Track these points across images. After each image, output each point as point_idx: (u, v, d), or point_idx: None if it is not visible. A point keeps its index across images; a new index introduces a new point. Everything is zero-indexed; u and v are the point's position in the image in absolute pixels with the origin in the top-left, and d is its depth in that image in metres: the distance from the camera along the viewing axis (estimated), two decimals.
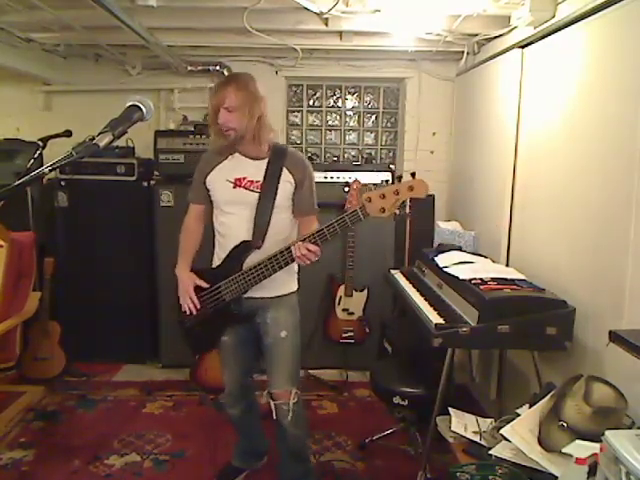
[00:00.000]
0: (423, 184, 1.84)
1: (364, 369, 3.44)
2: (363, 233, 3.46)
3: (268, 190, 2.03)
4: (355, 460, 2.64)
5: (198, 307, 2.11)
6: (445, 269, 2.54)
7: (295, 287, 2.21)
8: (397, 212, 1.92)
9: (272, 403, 2.13)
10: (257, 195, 2.03)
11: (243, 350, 2.24)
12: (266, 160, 2.05)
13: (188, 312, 2.13)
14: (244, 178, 2.04)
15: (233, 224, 2.07)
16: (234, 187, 2.05)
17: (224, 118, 1.94)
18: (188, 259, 2.20)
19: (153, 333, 3.63)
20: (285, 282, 2.14)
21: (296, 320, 2.19)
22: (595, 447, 1.42)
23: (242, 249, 2.05)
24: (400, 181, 1.88)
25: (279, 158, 2.06)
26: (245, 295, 2.06)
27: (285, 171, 2.05)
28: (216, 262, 2.15)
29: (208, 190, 2.12)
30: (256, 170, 2.05)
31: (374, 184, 3.37)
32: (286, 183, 2.06)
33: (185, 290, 2.13)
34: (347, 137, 4.33)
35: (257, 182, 2.04)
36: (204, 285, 2.11)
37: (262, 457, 2.53)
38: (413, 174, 1.88)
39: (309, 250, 1.88)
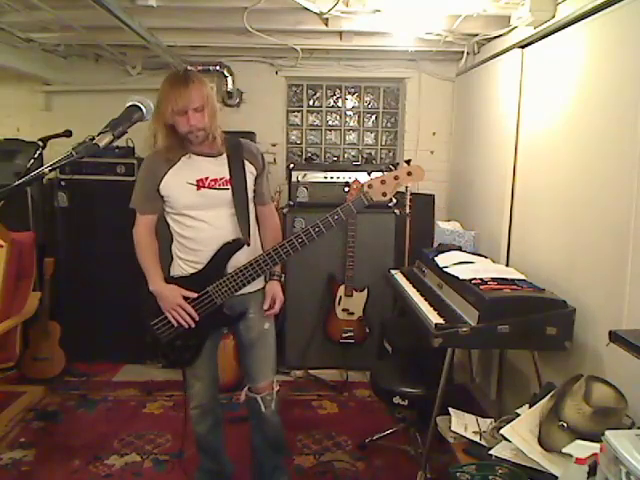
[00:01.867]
0: (420, 169, 1.94)
1: (364, 369, 3.44)
2: (363, 233, 3.46)
3: (238, 185, 1.97)
4: (355, 460, 2.64)
5: (196, 318, 1.97)
6: (445, 269, 2.54)
7: (264, 281, 2.16)
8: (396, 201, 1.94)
9: (257, 397, 2.11)
10: (229, 192, 1.96)
11: (213, 358, 2.16)
12: (224, 155, 1.99)
13: (186, 325, 1.97)
14: (206, 178, 1.95)
15: (207, 226, 1.97)
16: (198, 189, 1.94)
17: (195, 120, 1.84)
18: (158, 272, 2.04)
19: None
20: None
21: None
22: (595, 447, 1.42)
23: (232, 248, 1.97)
24: (397, 169, 1.92)
25: (237, 151, 2.00)
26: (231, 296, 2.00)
27: (247, 163, 2.01)
28: (183, 268, 2.03)
29: (162, 197, 1.99)
30: (216, 167, 1.97)
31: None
32: (249, 174, 2.02)
33: (175, 303, 1.96)
34: (347, 137, 4.33)
35: (222, 179, 1.96)
36: (192, 295, 1.97)
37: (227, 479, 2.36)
38: (408, 161, 1.96)
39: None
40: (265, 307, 2.08)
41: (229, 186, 1.96)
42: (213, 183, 1.95)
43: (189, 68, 2.08)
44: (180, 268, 2.05)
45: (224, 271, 1.97)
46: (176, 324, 1.98)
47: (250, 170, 2.02)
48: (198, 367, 2.09)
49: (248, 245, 1.98)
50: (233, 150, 2.00)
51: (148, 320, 2.05)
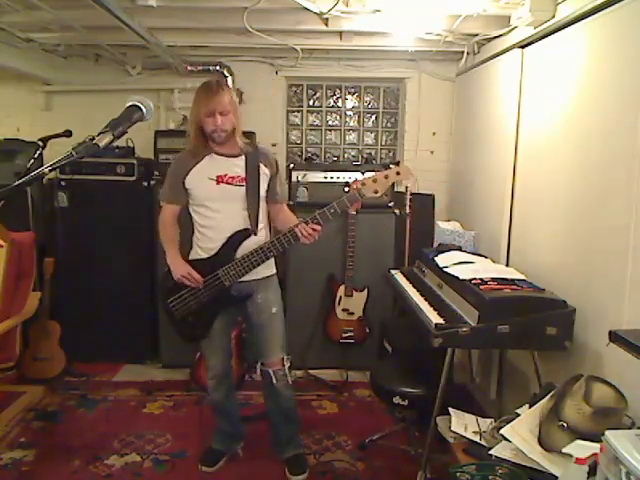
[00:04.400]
0: (407, 169, 2.26)
1: (364, 369, 3.44)
2: (363, 233, 3.46)
3: (252, 184, 2.26)
4: (355, 460, 2.64)
5: (201, 281, 2.24)
6: (445, 269, 2.54)
7: (275, 270, 2.43)
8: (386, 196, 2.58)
9: (270, 370, 2.37)
10: (244, 189, 2.25)
11: (227, 335, 2.47)
12: (242, 157, 2.27)
13: (194, 286, 2.26)
14: (225, 175, 2.25)
15: (223, 217, 2.26)
16: (217, 183, 2.24)
17: (220, 121, 2.15)
18: (176, 247, 2.35)
19: (153, 333, 3.63)
20: (268, 265, 2.35)
21: (279, 297, 2.46)
22: (595, 447, 1.42)
23: (240, 236, 2.25)
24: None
25: (254, 155, 2.29)
26: (239, 279, 2.26)
27: (262, 165, 2.29)
28: (199, 253, 2.32)
29: (187, 190, 2.28)
30: (234, 167, 2.26)
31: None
32: (264, 176, 2.30)
33: (185, 270, 2.25)
34: (347, 137, 4.33)
35: (238, 177, 2.25)
36: (196, 276, 2.25)
37: (240, 440, 2.67)
38: (397, 162, 2.31)
39: (314, 229, 2.15)
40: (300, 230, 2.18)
41: (244, 184, 2.25)
42: (231, 180, 2.25)
43: (218, 78, 2.42)
44: (197, 254, 2.34)
45: (234, 256, 2.24)
46: (192, 284, 2.25)
47: (264, 172, 2.30)
48: (212, 343, 2.40)
49: (255, 234, 2.27)
50: (251, 153, 2.29)
51: (164, 299, 2.36)
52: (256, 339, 2.42)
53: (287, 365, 2.40)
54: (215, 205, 2.26)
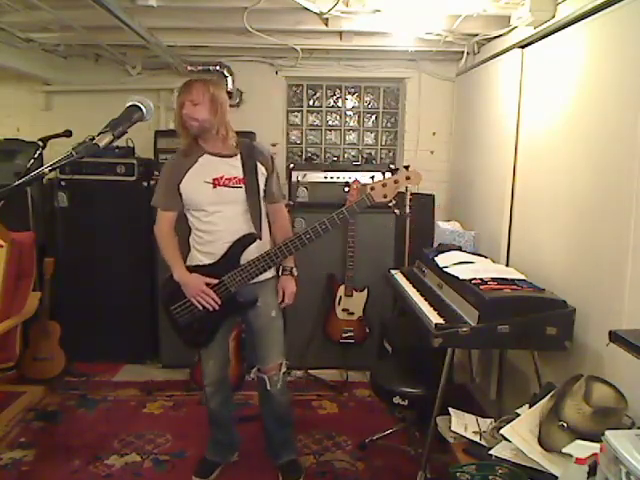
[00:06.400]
0: (418, 174, 2.19)
1: (364, 369, 3.44)
2: (363, 233, 3.46)
3: (251, 184, 2.18)
4: (355, 460, 2.64)
5: (219, 302, 2.18)
6: (445, 269, 2.54)
7: (274, 272, 2.35)
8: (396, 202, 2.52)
9: (265, 376, 2.33)
10: (242, 190, 2.17)
11: (226, 341, 2.42)
12: (238, 157, 2.19)
13: (211, 309, 2.19)
14: (221, 177, 2.16)
15: (223, 220, 2.17)
16: (214, 187, 2.15)
17: (189, 109, 2.07)
18: (181, 262, 2.24)
19: (153, 333, 3.63)
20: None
21: (277, 300, 2.36)
22: (595, 447, 1.42)
23: (245, 241, 2.17)
24: (397, 172, 2.20)
25: (250, 153, 2.21)
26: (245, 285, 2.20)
27: (259, 164, 2.21)
28: (200, 259, 2.24)
29: (181, 195, 2.18)
30: (230, 167, 2.18)
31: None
32: (261, 175, 2.22)
33: (200, 290, 2.17)
34: (347, 137, 4.33)
35: (235, 178, 2.17)
36: (213, 282, 2.18)
37: (235, 450, 2.62)
38: (407, 166, 2.26)
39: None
40: (278, 301, 2.32)
41: (242, 185, 2.17)
42: (227, 181, 2.16)
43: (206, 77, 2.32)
44: (197, 258, 2.25)
45: (238, 262, 2.18)
46: (201, 308, 2.19)
47: (262, 171, 2.22)
48: (212, 348, 2.33)
49: (260, 239, 2.20)
50: (246, 152, 2.21)
51: (167, 305, 2.28)
52: (255, 343, 2.37)
53: (283, 370, 2.35)
54: (214, 209, 2.16)
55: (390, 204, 3.54)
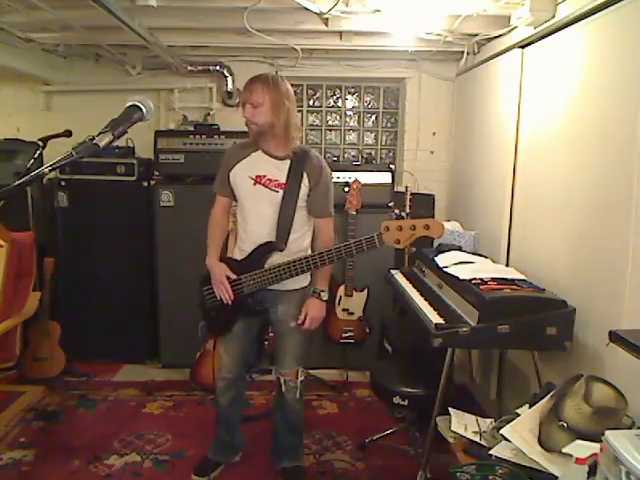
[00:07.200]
0: (439, 225, 1.94)
1: (364, 369, 3.44)
2: (363, 233, 3.42)
3: (291, 191, 2.13)
4: (355, 460, 2.64)
5: (232, 297, 2.20)
6: (445, 269, 2.54)
7: (306, 282, 2.29)
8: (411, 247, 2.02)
9: (282, 378, 2.33)
10: (280, 195, 2.13)
11: (246, 339, 2.38)
12: (288, 161, 2.14)
13: (225, 302, 2.21)
14: (264, 176, 2.14)
15: (254, 221, 2.19)
16: (254, 184, 2.15)
17: (249, 113, 2.07)
18: (217, 250, 2.30)
19: (153, 333, 3.63)
20: (297, 278, 2.18)
21: (298, 315, 2.27)
22: (595, 447, 1.42)
23: (266, 249, 2.16)
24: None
25: (301, 162, 2.15)
26: (258, 289, 2.20)
27: (305, 175, 2.15)
28: (236, 252, 2.30)
29: (230, 183, 2.22)
30: (276, 169, 2.14)
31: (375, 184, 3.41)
32: (304, 186, 2.15)
33: (220, 281, 2.21)
34: (347, 137, 4.33)
35: (275, 181, 2.14)
36: (232, 276, 2.21)
37: (238, 452, 2.60)
38: (430, 216, 1.91)
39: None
40: (299, 321, 2.24)
41: (280, 189, 2.13)
42: (268, 182, 2.14)
43: (272, 73, 2.20)
44: (234, 252, 2.33)
45: (261, 266, 2.17)
46: (218, 297, 2.23)
47: (305, 183, 2.15)
48: (228, 343, 2.36)
49: (281, 251, 2.15)
50: (298, 159, 2.15)
51: (201, 285, 2.34)
52: (275, 346, 2.41)
53: (301, 378, 2.33)
54: (249, 205, 2.18)
55: (390, 203, 3.55)
